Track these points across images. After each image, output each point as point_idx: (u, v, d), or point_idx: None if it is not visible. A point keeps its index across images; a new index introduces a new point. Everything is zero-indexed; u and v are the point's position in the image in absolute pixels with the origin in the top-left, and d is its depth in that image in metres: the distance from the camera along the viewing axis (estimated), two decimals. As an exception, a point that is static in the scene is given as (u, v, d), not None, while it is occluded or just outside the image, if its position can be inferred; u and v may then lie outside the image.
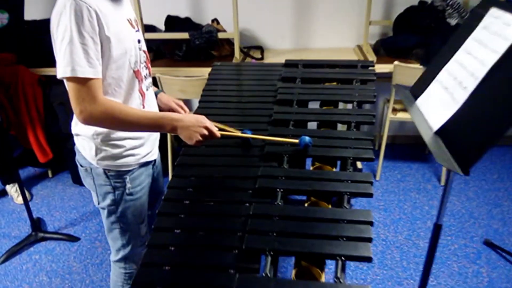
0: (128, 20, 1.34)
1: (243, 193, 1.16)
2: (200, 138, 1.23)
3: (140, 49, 1.38)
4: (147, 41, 3.05)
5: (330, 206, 1.11)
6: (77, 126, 1.38)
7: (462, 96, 1.10)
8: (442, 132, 1.11)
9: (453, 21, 2.85)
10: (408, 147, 3.52)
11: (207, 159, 1.35)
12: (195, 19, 3.21)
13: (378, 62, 2.81)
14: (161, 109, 1.68)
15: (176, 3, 3.23)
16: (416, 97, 1.37)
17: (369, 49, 3.09)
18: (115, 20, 1.24)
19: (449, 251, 2.41)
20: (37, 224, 2.58)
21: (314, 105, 1.79)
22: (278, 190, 1.12)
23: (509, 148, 3.44)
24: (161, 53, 3.11)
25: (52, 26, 1.19)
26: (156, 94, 1.62)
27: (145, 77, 1.43)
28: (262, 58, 3.08)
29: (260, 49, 3.26)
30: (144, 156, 1.47)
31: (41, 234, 2.53)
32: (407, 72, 2.77)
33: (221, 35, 2.93)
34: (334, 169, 1.28)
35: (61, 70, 1.16)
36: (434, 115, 1.18)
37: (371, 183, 1.14)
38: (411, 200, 2.87)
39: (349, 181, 1.15)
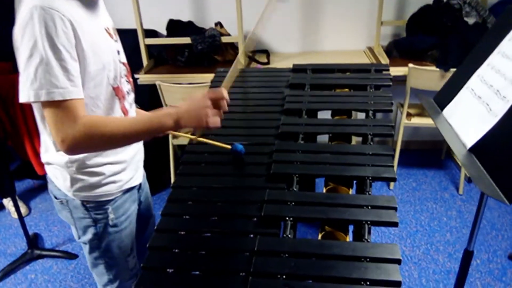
0: (105, 29, 1.17)
1: (247, 221, 1.01)
2: (210, 115, 1.02)
3: (120, 61, 1.20)
4: (148, 47, 2.94)
5: (348, 238, 0.96)
6: (47, 153, 1.21)
7: (501, 108, 0.95)
8: (478, 150, 0.96)
9: (471, 20, 2.68)
10: (423, 153, 3.34)
11: (206, 180, 1.21)
12: (198, 23, 3.07)
13: (392, 64, 2.65)
14: None
15: (178, 6, 3.09)
16: (442, 106, 1.22)
17: (381, 51, 2.92)
18: (91, 31, 1.07)
19: (471, 266, 2.24)
20: (33, 241, 2.45)
21: (324, 115, 1.64)
22: (287, 219, 0.97)
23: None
24: (162, 59, 2.97)
25: (15, 41, 1.00)
26: None
27: (127, 92, 1.26)
28: (268, 63, 2.94)
29: (266, 53, 3.12)
30: (127, 181, 1.30)
31: (37, 252, 2.40)
32: (422, 75, 2.61)
33: (224, 39, 2.79)
34: (350, 191, 1.12)
35: (32, 93, 0.97)
36: (467, 129, 1.02)
37: (395, 208, 0.98)
38: (428, 211, 2.70)
39: (369, 207, 0.99)
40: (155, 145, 2.88)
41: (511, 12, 1.11)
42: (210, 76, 2.75)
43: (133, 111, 1.31)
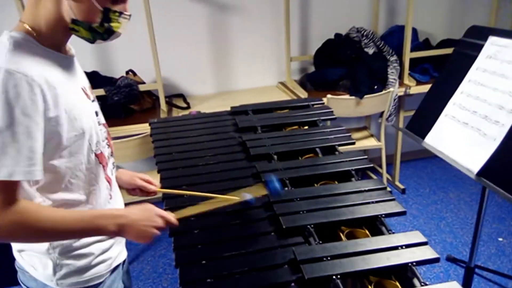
0: (82, 89, 1.04)
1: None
2: (157, 232, 0.98)
3: (99, 123, 1.09)
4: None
5: (397, 284, 0.92)
6: None
7: (497, 132, 1.02)
8: (487, 173, 1.02)
9: (370, 50, 2.97)
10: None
11: (208, 250, 1.07)
12: (104, 72, 2.85)
13: (309, 97, 2.78)
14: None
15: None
16: (420, 134, 1.28)
17: (296, 85, 3.06)
18: (67, 93, 0.93)
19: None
20: None
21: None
22: (334, 277, 0.89)
23: (429, 160, 3.63)
24: (70, 115, 2.66)
25: None
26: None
27: (108, 158, 1.12)
28: (188, 107, 2.84)
29: (182, 97, 3.02)
30: (116, 258, 1.14)
31: None
32: (340, 104, 2.79)
33: (142, 87, 2.62)
34: (366, 231, 1.10)
35: None
36: (466, 155, 1.08)
37: (427, 243, 0.99)
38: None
39: (403, 247, 0.98)
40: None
41: (467, 45, 1.24)
42: (132, 128, 2.55)
43: (114, 179, 1.15)
